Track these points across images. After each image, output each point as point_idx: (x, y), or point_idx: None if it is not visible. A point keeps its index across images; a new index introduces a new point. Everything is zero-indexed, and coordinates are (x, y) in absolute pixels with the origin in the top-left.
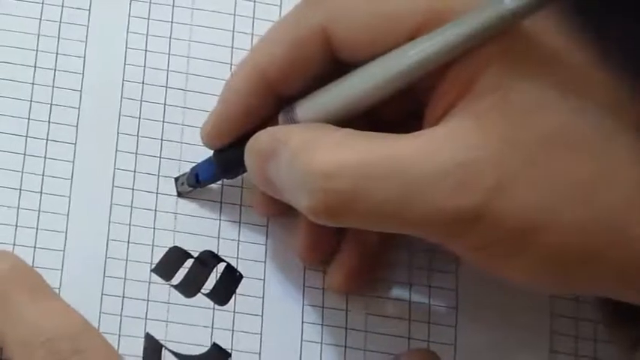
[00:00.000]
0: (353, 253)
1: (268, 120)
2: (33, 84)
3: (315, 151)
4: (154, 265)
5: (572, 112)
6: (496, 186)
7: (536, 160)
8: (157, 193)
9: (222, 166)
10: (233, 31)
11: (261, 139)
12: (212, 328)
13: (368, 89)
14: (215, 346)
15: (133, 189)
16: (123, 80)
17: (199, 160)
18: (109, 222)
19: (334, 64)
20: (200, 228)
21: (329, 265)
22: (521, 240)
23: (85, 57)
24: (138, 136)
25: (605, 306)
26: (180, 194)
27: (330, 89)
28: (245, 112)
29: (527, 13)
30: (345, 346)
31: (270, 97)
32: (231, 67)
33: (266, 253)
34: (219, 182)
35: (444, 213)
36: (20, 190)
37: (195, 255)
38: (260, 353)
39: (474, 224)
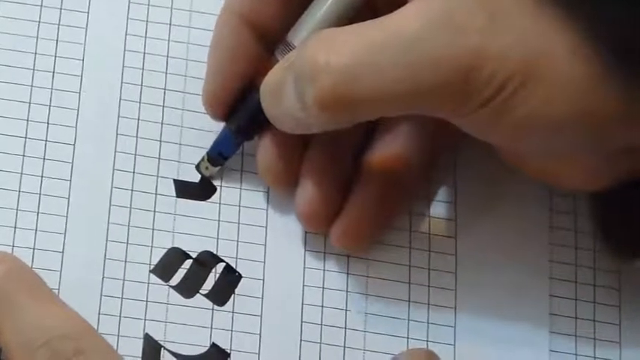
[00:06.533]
0: (355, 208)
1: (262, 72)
2: (31, 86)
3: (312, 49)
4: (152, 266)
5: None
6: (488, 24)
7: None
8: (155, 194)
9: (237, 130)
10: None
11: (268, 77)
12: (211, 328)
13: None
14: (214, 347)
15: (131, 190)
16: (121, 82)
17: (197, 162)
18: (108, 223)
19: None
20: (199, 229)
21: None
22: (525, 76)
23: (83, 59)
24: (137, 137)
25: (601, 222)
26: (211, 178)
27: (314, 6)
28: (233, 60)
29: None
30: (345, 347)
31: (253, 40)
32: None
33: (265, 253)
34: (218, 184)
35: (446, 63)
36: (19, 191)
37: (194, 256)
38: (259, 353)
39: (476, 71)
